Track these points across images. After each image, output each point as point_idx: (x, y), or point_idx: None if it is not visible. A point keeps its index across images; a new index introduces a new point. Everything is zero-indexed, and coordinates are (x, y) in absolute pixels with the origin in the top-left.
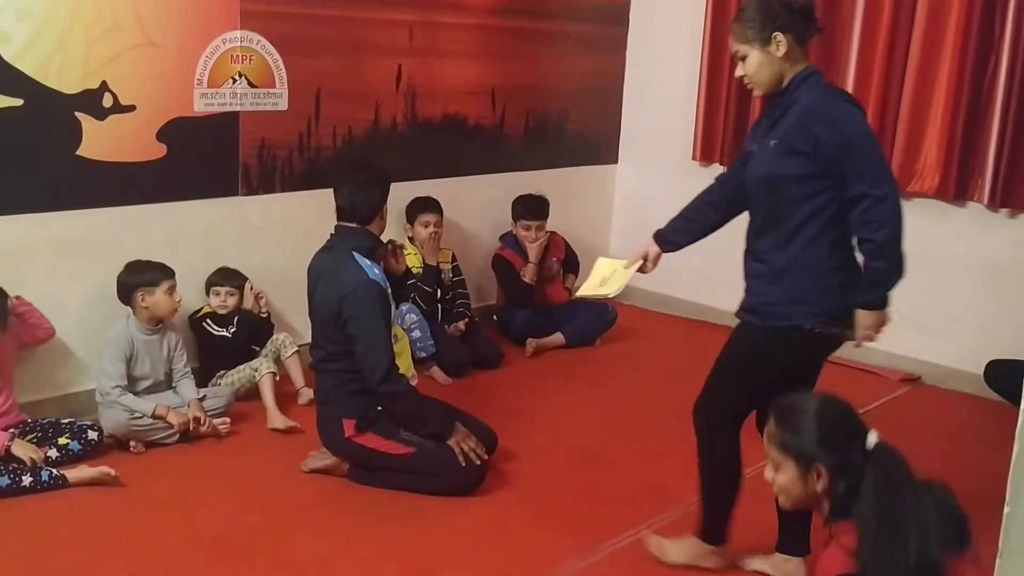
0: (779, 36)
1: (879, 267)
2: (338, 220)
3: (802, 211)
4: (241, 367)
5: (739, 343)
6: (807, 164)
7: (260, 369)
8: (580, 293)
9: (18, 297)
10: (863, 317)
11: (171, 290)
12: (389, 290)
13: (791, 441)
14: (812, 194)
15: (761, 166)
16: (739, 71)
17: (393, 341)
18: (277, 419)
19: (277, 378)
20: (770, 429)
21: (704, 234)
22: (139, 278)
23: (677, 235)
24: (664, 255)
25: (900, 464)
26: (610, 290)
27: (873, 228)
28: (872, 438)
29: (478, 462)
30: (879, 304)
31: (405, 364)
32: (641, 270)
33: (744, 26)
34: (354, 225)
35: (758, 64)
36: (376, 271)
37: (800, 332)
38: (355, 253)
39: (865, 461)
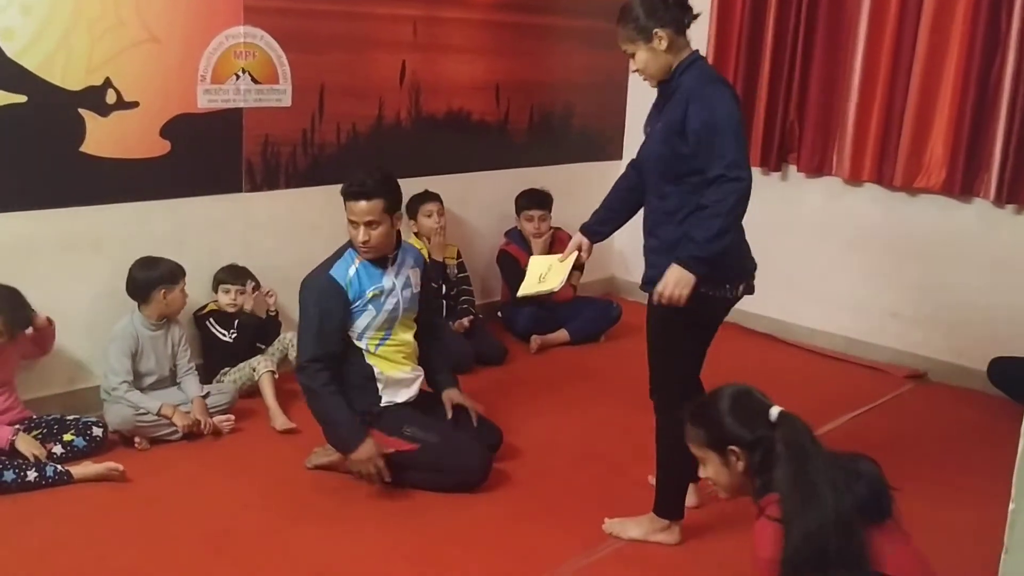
0: (659, 32)
1: (703, 227)
2: None
3: (684, 188)
4: (242, 365)
5: (652, 317)
6: (686, 144)
7: (258, 368)
8: (522, 293)
9: (49, 319)
10: (670, 272)
11: (184, 288)
12: (369, 293)
13: (703, 434)
14: (693, 172)
15: (650, 148)
16: (631, 67)
17: (381, 343)
18: (279, 419)
19: (276, 376)
20: (688, 431)
21: (628, 217)
22: (160, 274)
23: (602, 224)
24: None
25: (803, 429)
26: (552, 284)
27: (716, 198)
28: (774, 411)
29: (369, 483)
30: (689, 265)
31: (394, 366)
32: (578, 261)
33: (627, 28)
34: None
35: (645, 60)
36: (351, 271)
37: (695, 295)
38: (351, 249)
39: (771, 431)
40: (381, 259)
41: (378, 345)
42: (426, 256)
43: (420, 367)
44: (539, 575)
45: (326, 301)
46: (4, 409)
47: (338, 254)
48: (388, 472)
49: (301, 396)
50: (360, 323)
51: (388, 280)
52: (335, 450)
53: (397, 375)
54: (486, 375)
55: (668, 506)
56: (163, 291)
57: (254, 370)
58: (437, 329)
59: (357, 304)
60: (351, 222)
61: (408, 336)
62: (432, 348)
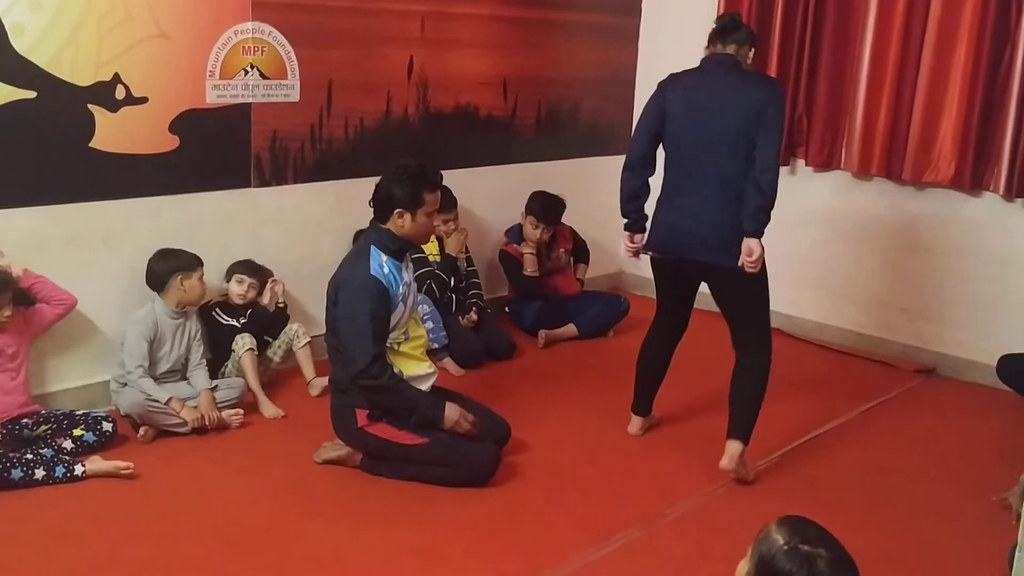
0: None
1: None
2: None
3: None
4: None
5: None
6: None
7: (238, 349)
8: None
9: (25, 270)
10: None
11: (202, 277)
12: (401, 289)
13: None
14: None
15: None
16: None
17: (404, 339)
18: (266, 407)
19: (256, 352)
20: None
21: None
22: (177, 262)
23: None
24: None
25: None
26: None
27: None
28: None
29: (465, 432)
30: None
31: (414, 363)
32: None
33: None
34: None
35: None
36: (384, 269)
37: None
38: (374, 247)
39: None
40: (400, 254)
41: (401, 343)
42: (437, 249)
43: (434, 365)
44: (547, 570)
45: (376, 302)
46: (10, 390)
47: (363, 253)
48: (476, 421)
49: (292, 385)
50: (392, 320)
51: (406, 275)
52: (428, 425)
53: (416, 372)
54: (494, 369)
55: (635, 402)
56: (180, 277)
57: (234, 351)
58: None
59: (394, 303)
60: (431, 213)
61: (421, 330)
62: None
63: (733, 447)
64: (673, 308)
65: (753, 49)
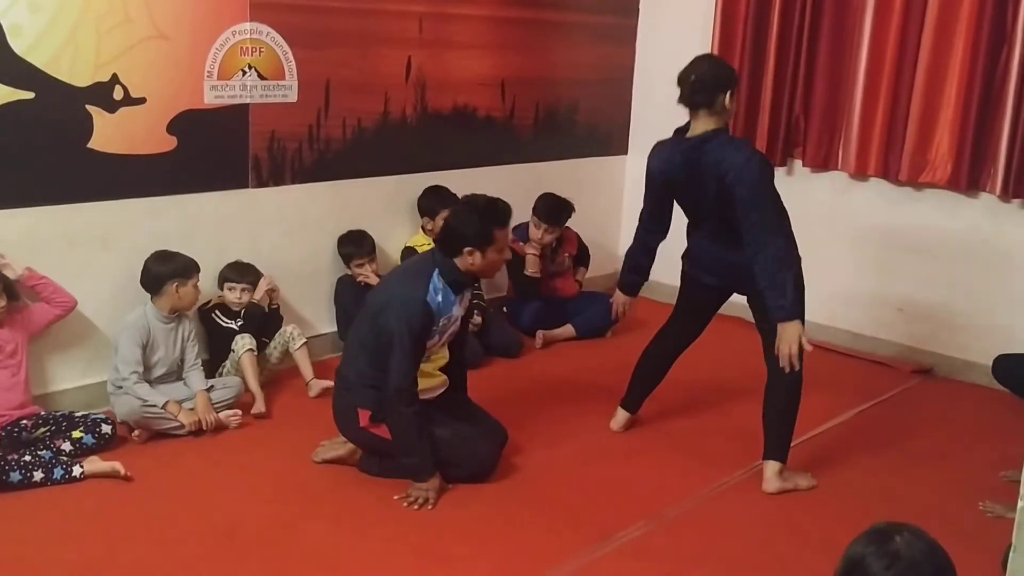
0: None
1: None
2: None
3: None
4: (232, 354)
5: None
6: None
7: (238, 349)
8: None
9: (28, 269)
10: None
11: (197, 283)
12: (443, 321)
13: None
14: None
15: None
16: None
17: (425, 359)
18: (257, 405)
19: (255, 353)
20: None
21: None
22: (174, 268)
23: None
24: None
25: None
26: None
27: None
28: None
29: (415, 508)
30: None
31: (430, 379)
32: None
33: None
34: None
35: None
36: (439, 297)
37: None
38: (436, 272)
39: None
40: (460, 287)
41: (423, 362)
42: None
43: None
44: (546, 570)
45: (422, 328)
46: (10, 387)
47: (423, 274)
48: (437, 502)
49: (290, 386)
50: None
51: (457, 308)
52: (396, 473)
53: (427, 385)
54: (493, 370)
55: (626, 399)
56: (176, 284)
57: (234, 351)
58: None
59: (433, 329)
60: (503, 248)
61: (446, 351)
62: (459, 363)
63: (768, 468)
64: (690, 312)
65: (729, 91)
